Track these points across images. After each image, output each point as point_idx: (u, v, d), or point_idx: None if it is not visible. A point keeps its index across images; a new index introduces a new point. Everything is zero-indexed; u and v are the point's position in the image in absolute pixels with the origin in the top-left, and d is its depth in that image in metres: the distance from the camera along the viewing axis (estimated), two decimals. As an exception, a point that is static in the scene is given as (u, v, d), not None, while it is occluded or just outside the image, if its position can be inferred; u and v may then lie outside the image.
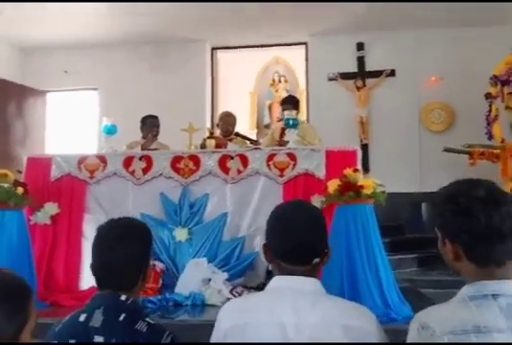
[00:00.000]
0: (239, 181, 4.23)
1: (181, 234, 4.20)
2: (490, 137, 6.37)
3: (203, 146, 4.91)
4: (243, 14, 7.04)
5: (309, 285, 1.58)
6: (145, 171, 4.35)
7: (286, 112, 4.49)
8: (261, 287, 3.68)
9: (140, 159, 4.38)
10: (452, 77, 7.30)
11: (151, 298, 3.84)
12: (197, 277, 3.99)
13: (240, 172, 4.21)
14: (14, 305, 1.38)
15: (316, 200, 3.90)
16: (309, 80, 8.16)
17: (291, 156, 4.15)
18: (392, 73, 7.70)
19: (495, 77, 6.34)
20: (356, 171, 3.62)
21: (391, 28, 7.42)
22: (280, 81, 9.89)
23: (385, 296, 3.39)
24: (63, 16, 7.06)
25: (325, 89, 7.85)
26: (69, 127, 8.70)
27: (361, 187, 3.51)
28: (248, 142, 5.43)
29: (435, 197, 1.51)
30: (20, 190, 4.03)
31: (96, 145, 7.67)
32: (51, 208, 4.26)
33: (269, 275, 3.58)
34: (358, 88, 7.73)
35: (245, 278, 4.12)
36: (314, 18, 7.24)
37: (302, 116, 7.96)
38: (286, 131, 4.40)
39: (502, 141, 6.25)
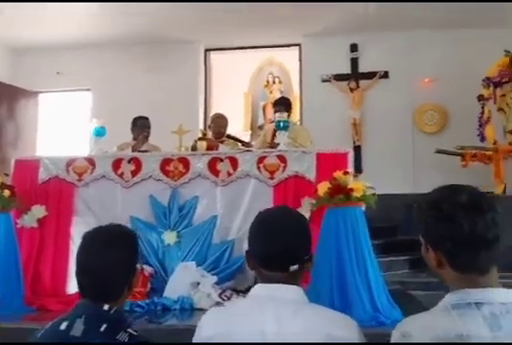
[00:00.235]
0: (229, 184, 4.20)
1: (170, 237, 4.16)
2: (482, 139, 6.36)
3: (194, 148, 4.87)
4: (236, 15, 7.01)
5: (291, 293, 1.55)
6: (134, 173, 4.31)
7: (277, 114, 4.48)
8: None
9: (129, 162, 4.34)
10: (445, 78, 7.29)
11: (139, 302, 3.80)
12: (185, 281, 3.94)
13: (230, 174, 4.18)
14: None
15: (307, 203, 3.88)
16: (302, 81, 8.14)
17: (282, 158, 4.12)
18: (386, 74, 7.68)
19: (487, 79, 6.33)
20: (346, 173, 3.59)
21: (385, 29, 7.39)
22: (274, 82, 9.88)
23: (375, 300, 3.36)
24: (56, 17, 7.02)
25: (318, 90, 7.82)
26: (61, 129, 8.64)
27: (351, 190, 3.48)
28: (240, 144, 5.39)
29: (419, 203, 1.47)
30: (7, 192, 3.99)
31: (88, 146, 7.61)
32: (38, 211, 4.22)
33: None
34: (351, 90, 7.72)
35: (235, 281, 4.08)
36: (308, 19, 7.22)
37: (295, 118, 7.95)
38: (277, 133, 4.36)
39: (495, 143, 6.25)
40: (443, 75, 7.31)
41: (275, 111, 5.29)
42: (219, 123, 5.56)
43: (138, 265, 1.82)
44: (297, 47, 8.17)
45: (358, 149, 7.52)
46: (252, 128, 9.65)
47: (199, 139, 4.93)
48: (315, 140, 5.62)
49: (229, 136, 5.56)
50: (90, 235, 1.78)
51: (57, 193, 4.35)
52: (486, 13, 6.73)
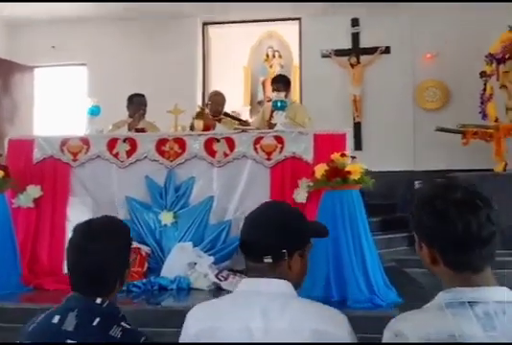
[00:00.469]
0: (225, 164, 4.17)
1: (167, 217, 4.14)
2: (484, 116, 6.27)
3: (193, 126, 4.82)
4: (234, -12, 6.84)
5: (277, 287, 1.54)
6: (129, 153, 4.27)
7: (274, 94, 4.40)
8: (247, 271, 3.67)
9: (124, 141, 4.29)
10: (447, 54, 7.16)
11: (135, 282, 3.82)
12: (182, 261, 3.95)
13: (226, 155, 4.14)
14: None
15: (304, 184, 3.86)
16: (302, 56, 7.99)
17: (279, 139, 4.07)
18: (387, 50, 7.52)
19: (490, 55, 6.19)
20: (343, 155, 3.55)
21: (387, 3, 7.21)
22: (274, 57, 9.71)
23: (371, 282, 3.36)
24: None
25: (318, 66, 7.68)
26: (58, 104, 8.56)
27: (349, 172, 3.44)
28: (237, 122, 5.32)
29: (414, 200, 1.43)
30: (0, 173, 3.95)
31: (85, 123, 7.54)
32: (34, 191, 4.19)
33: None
34: (352, 65, 7.57)
35: (232, 261, 4.08)
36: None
37: (295, 94, 7.86)
38: (274, 114, 4.30)
39: (496, 120, 6.16)
40: (445, 50, 7.17)
41: (273, 89, 5.21)
42: (216, 100, 5.48)
43: (130, 259, 1.80)
44: (297, 21, 7.99)
45: (358, 126, 7.46)
46: (252, 104, 9.53)
47: (197, 116, 4.87)
48: (315, 116, 5.55)
49: (227, 114, 5.49)
50: (80, 228, 1.73)
51: (52, 173, 4.32)
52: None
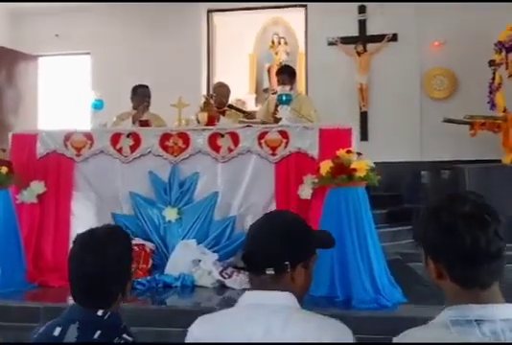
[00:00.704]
0: (230, 160, 4.12)
1: (171, 214, 4.12)
2: (492, 106, 6.17)
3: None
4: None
5: (281, 300, 1.51)
6: (133, 148, 4.24)
7: (279, 88, 4.32)
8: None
9: (128, 136, 4.25)
10: (456, 42, 6.99)
11: (140, 280, 3.82)
12: (186, 258, 3.95)
13: (231, 150, 4.09)
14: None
15: (309, 180, 3.81)
16: (308, 44, 7.87)
17: (284, 134, 4.02)
18: (394, 37, 7.35)
19: (499, 43, 6.07)
20: (349, 152, 3.49)
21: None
22: (280, 43, 9.59)
23: (376, 281, 3.34)
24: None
25: (324, 54, 7.55)
26: (62, 93, 8.51)
27: (354, 170, 3.39)
28: (242, 115, 5.26)
29: (420, 212, 1.39)
30: (4, 169, 3.94)
31: (88, 113, 7.51)
32: (37, 187, 4.18)
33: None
34: (358, 53, 7.44)
35: (237, 258, 4.05)
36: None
37: (300, 82, 7.76)
38: (278, 108, 4.23)
39: (505, 110, 6.06)
40: (453, 38, 7.01)
41: (278, 80, 5.14)
42: (220, 92, 5.41)
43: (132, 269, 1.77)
44: (303, 8, 7.86)
45: (364, 116, 7.36)
46: (257, 91, 9.44)
47: (204, 106, 4.79)
48: (320, 105, 5.48)
49: (231, 106, 5.43)
50: (80, 239, 1.71)
51: (55, 168, 4.30)
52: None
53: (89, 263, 1.62)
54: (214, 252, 4.02)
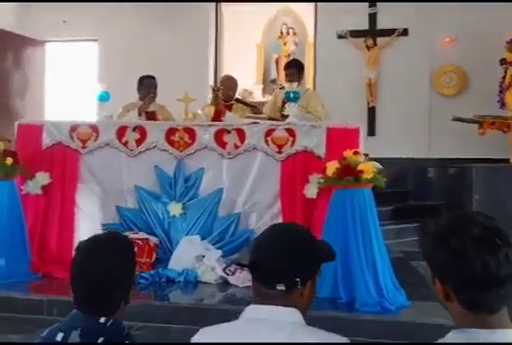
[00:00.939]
0: (236, 156, 4.10)
1: (175, 208, 4.11)
2: (502, 105, 6.11)
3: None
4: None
5: (287, 315, 1.48)
6: (138, 142, 4.22)
7: (287, 85, 4.27)
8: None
9: (134, 130, 4.23)
10: (467, 39, 6.90)
11: (143, 274, 3.82)
12: (190, 253, 3.95)
13: (237, 146, 4.07)
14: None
15: (315, 180, 3.78)
16: (317, 36, 7.78)
17: (291, 132, 3.98)
18: (405, 32, 7.26)
19: (511, 41, 5.99)
20: (356, 153, 3.46)
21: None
22: (288, 34, 9.49)
23: (380, 285, 3.32)
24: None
25: (334, 47, 7.47)
26: (68, 80, 8.48)
27: (361, 172, 3.36)
28: (249, 109, 5.21)
29: (425, 234, 1.36)
30: (9, 160, 3.93)
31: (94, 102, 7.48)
32: (42, 178, 4.17)
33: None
34: (368, 47, 7.35)
35: (240, 254, 4.06)
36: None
37: (308, 75, 7.68)
38: (286, 105, 4.20)
39: (515, 110, 6.00)
40: (465, 35, 6.91)
41: (286, 75, 5.09)
42: (228, 84, 5.35)
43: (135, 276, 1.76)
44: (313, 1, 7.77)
45: (372, 111, 7.30)
46: (264, 82, 9.37)
47: (213, 97, 4.74)
48: (328, 100, 5.44)
49: (238, 100, 5.38)
50: (83, 246, 1.69)
51: (61, 159, 4.29)
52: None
53: (92, 269, 1.61)
54: (217, 248, 4.02)
